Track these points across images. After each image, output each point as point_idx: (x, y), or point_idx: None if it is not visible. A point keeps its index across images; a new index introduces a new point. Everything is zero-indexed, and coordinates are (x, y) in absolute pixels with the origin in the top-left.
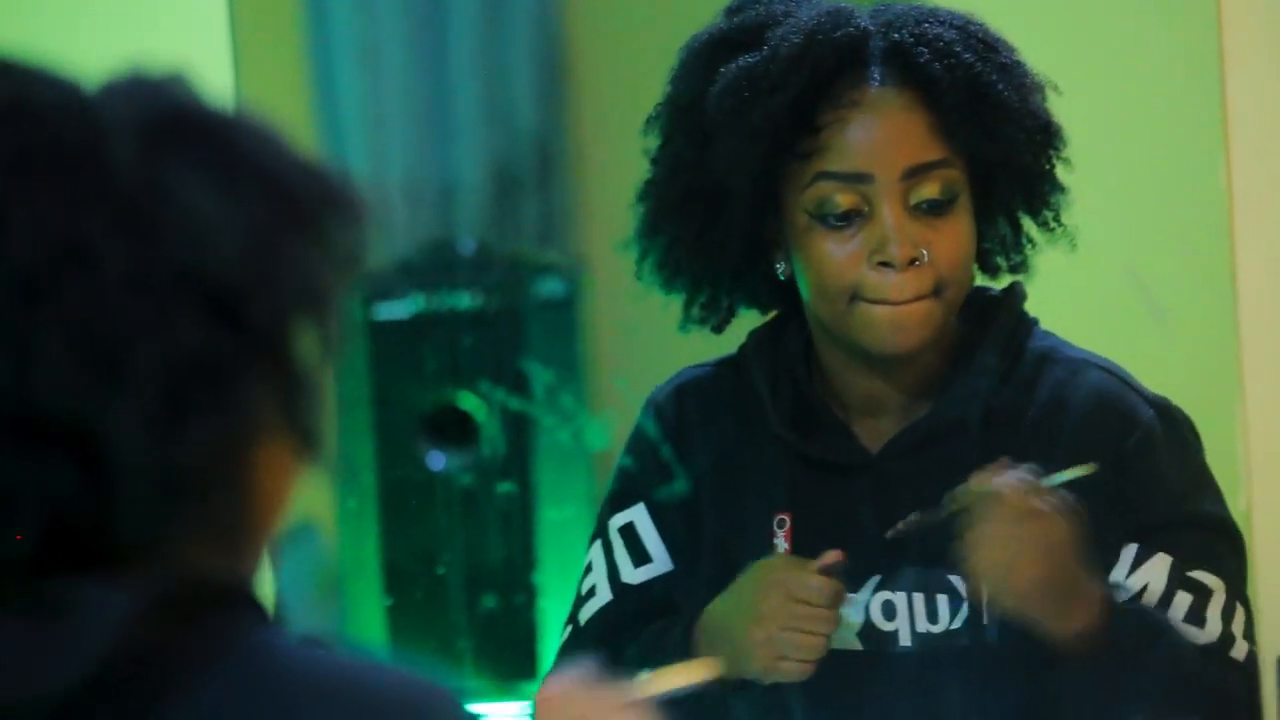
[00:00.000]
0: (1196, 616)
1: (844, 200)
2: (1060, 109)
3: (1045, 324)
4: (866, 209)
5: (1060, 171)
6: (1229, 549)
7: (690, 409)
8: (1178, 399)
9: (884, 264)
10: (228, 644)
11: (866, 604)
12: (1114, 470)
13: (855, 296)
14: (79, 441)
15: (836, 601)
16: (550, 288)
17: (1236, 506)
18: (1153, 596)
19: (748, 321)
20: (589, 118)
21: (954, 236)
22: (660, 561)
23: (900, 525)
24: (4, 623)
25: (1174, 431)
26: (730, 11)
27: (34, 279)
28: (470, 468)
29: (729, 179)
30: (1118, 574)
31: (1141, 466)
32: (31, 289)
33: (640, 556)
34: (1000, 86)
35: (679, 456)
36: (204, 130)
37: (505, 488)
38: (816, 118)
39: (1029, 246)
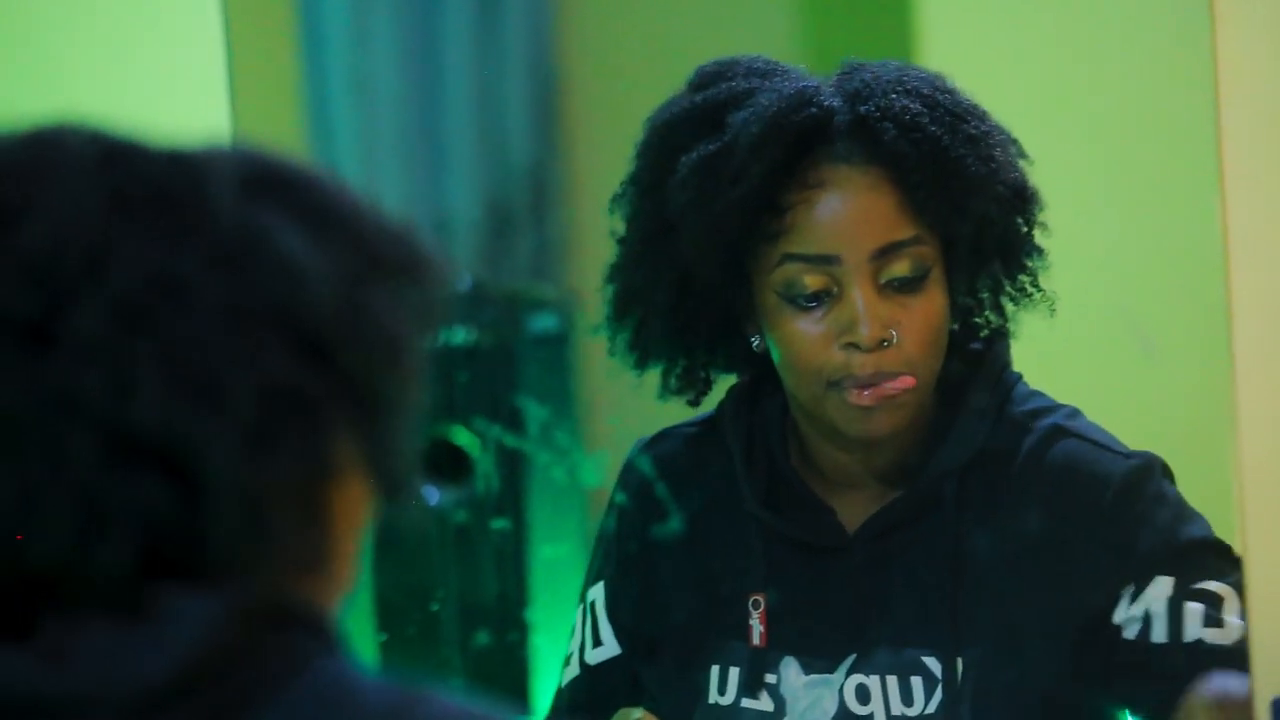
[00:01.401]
0: (1213, 620)
1: (812, 282)
2: (1053, 146)
3: (1037, 364)
4: (835, 289)
5: (1037, 236)
6: (1230, 565)
7: (667, 478)
8: (1171, 439)
9: (851, 345)
10: (301, 664)
11: (840, 686)
12: (1095, 528)
13: (830, 382)
14: (174, 463)
15: None
16: (544, 323)
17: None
18: (1161, 617)
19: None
20: (583, 153)
21: (925, 315)
22: (609, 645)
23: None
24: (98, 621)
25: (1152, 479)
26: (694, 86)
27: (135, 308)
28: (464, 504)
29: (694, 269)
30: (1119, 613)
31: (1123, 516)
32: (133, 318)
33: (595, 639)
34: (969, 160)
35: (658, 530)
36: (297, 184)
37: (499, 524)
38: (782, 198)
39: (1011, 310)
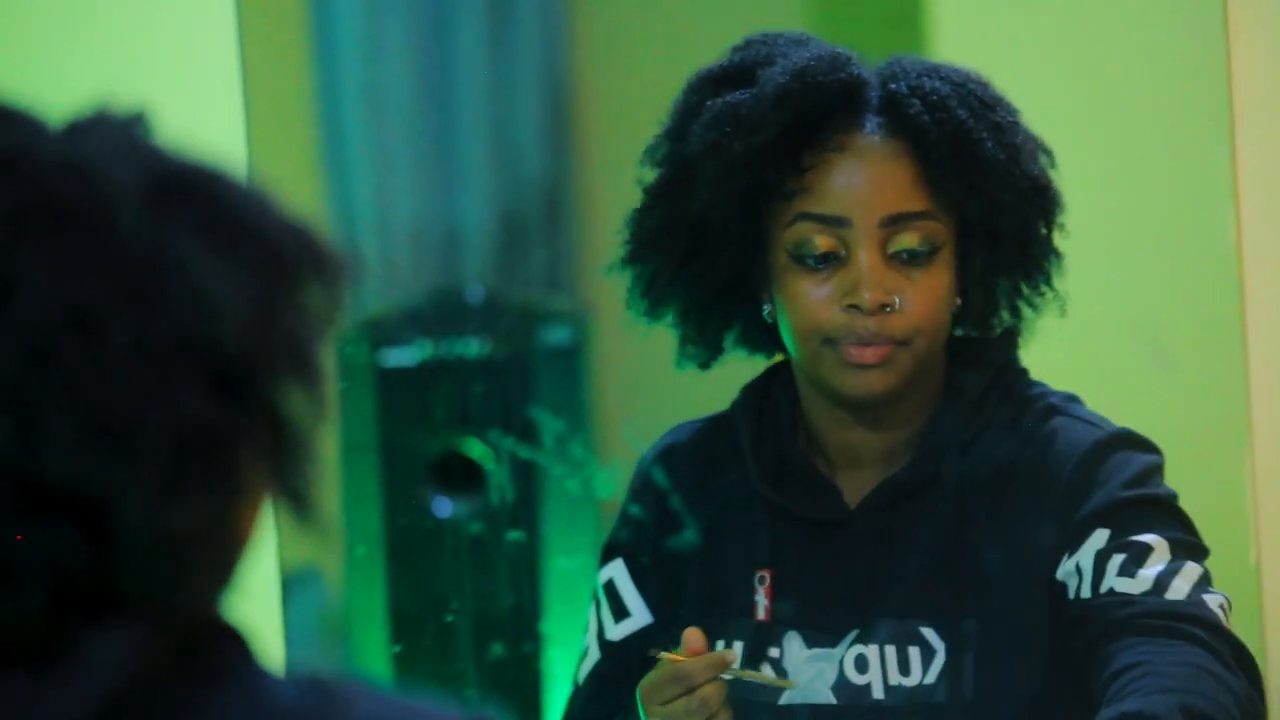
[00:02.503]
0: (1128, 571)
1: (822, 243)
2: (1065, 152)
3: (1052, 373)
4: (844, 252)
5: (1055, 236)
6: (1174, 521)
7: (679, 467)
8: (1186, 451)
9: (854, 306)
10: (222, 679)
11: (841, 659)
12: (1057, 493)
13: (826, 339)
14: (82, 508)
15: (700, 676)
16: (558, 335)
17: (1245, 561)
18: (1087, 570)
19: (746, 373)
20: (596, 164)
21: (929, 288)
22: (639, 615)
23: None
24: (10, 671)
25: (1119, 448)
26: (735, 48)
27: (41, 343)
28: (478, 516)
29: (708, 212)
30: (1061, 569)
31: (1082, 480)
32: (38, 353)
33: (620, 612)
34: (989, 144)
35: (669, 517)
36: (201, 193)
37: (514, 536)
38: (803, 158)
39: (1025, 308)
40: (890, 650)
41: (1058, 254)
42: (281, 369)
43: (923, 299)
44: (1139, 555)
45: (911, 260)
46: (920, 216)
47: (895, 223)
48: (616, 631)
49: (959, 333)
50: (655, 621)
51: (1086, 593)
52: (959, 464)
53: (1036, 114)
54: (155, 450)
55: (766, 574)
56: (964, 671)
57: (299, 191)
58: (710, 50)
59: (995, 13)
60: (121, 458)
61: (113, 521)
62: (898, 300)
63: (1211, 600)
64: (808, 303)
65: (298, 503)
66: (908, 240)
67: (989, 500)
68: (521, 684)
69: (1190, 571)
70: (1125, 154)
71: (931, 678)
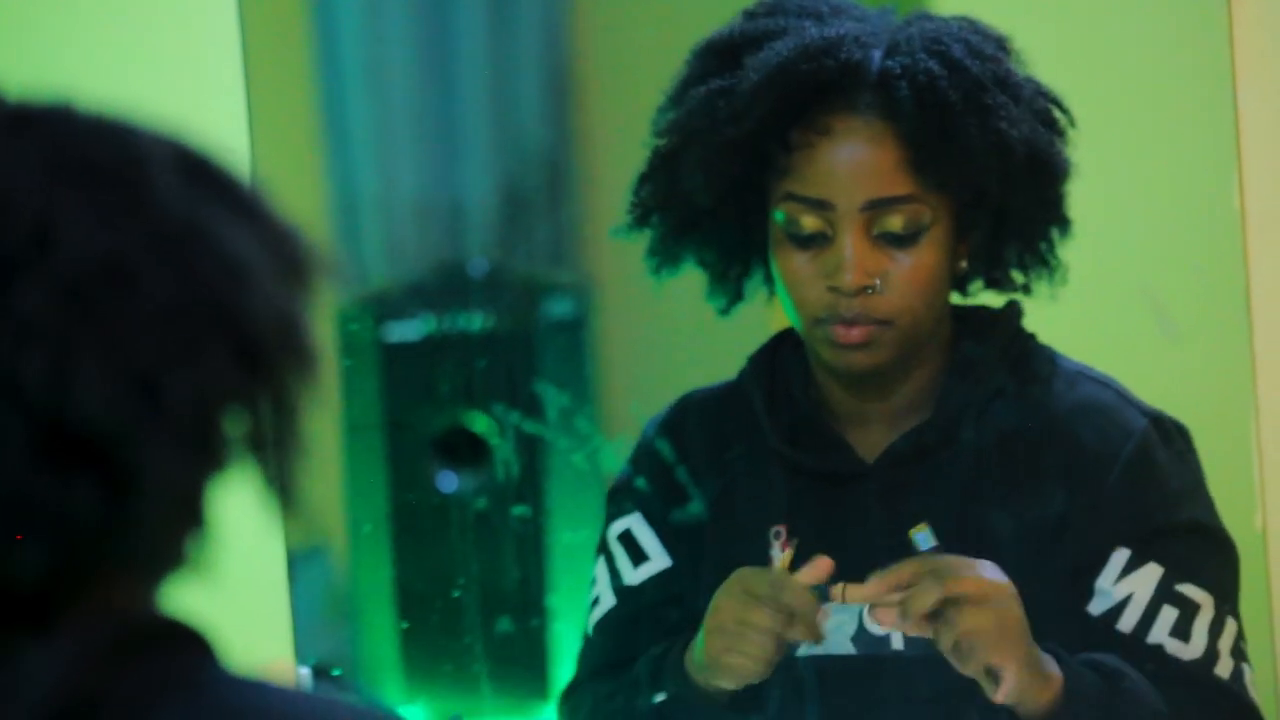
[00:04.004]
0: (1182, 632)
1: (809, 223)
2: (1072, 129)
3: (1058, 343)
4: (830, 232)
5: (1060, 207)
6: (1221, 561)
7: (691, 427)
8: (1191, 420)
9: (835, 288)
10: (175, 682)
11: (861, 610)
12: (1109, 478)
13: (815, 319)
14: (103, 456)
15: (794, 602)
16: (562, 308)
17: (1251, 527)
18: (1137, 608)
19: (753, 347)
20: (599, 137)
21: (914, 269)
22: (658, 559)
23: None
24: None
25: (1170, 441)
26: (750, 13)
27: (76, 286)
28: (483, 490)
29: (695, 197)
30: (1104, 580)
31: (1136, 473)
32: (73, 296)
33: (638, 557)
34: (972, 129)
35: (686, 474)
36: (223, 174)
37: (519, 511)
38: (792, 137)
39: (1036, 269)
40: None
41: (1063, 219)
42: (290, 352)
43: (907, 279)
44: (1189, 612)
45: (895, 242)
46: (904, 200)
47: (876, 207)
48: (635, 575)
49: (971, 296)
50: (674, 565)
51: (1129, 627)
52: (975, 425)
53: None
54: (181, 405)
55: (783, 528)
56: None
57: (301, 167)
58: (710, 23)
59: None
60: (148, 408)
61: (134, 474)
62: (878, 282)
63: (1247, 674)
64: (796, 280)
65: (284, 490)
66: (892, 223)
67: (1004, 461)
68: (529, 659)
69: (1230, 632)
70: (1128, 123)
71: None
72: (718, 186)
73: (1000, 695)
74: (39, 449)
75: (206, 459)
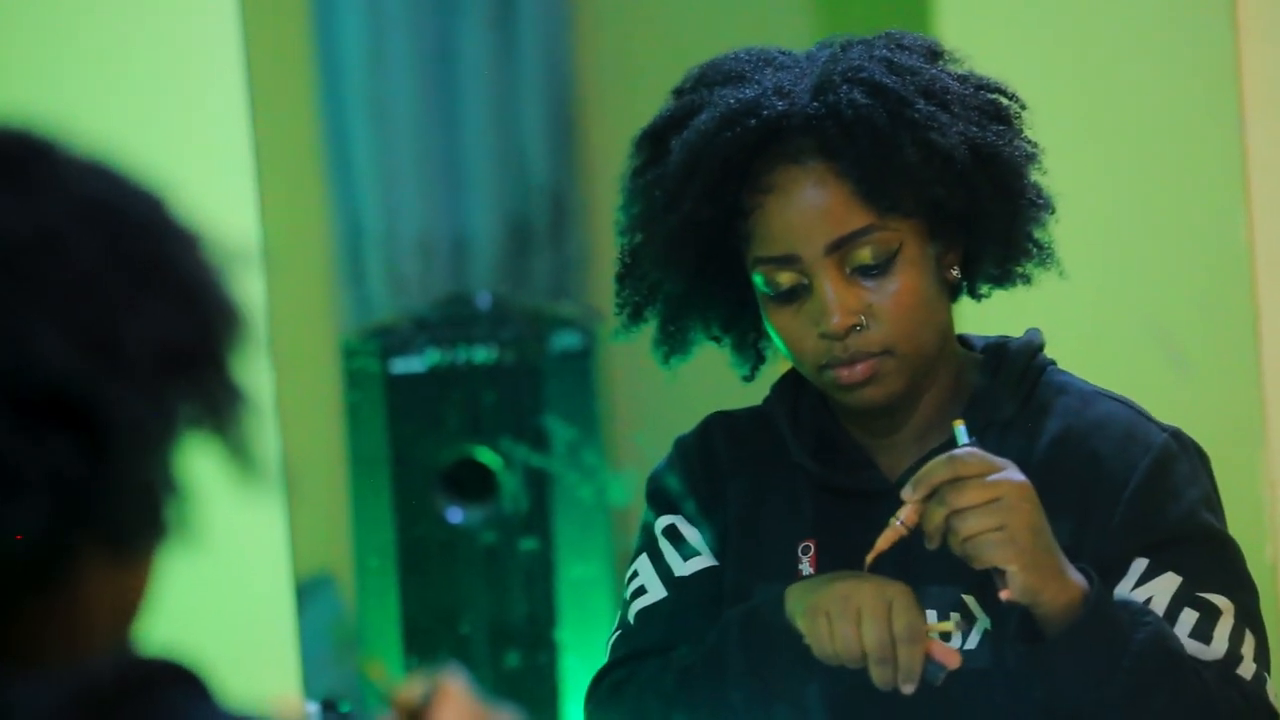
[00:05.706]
0: (1203, 634)
1: (784, 279)
2: (1081, 158)
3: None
4: (806, 281)
5: (1023, 191)
6: (1239, 573)
7: (718, 444)
8: None
9: (826, 334)
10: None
11: None
12: (1127, 489)
13: (819, 366)
14: (77, 417)
15: (904, 637)
16: (568, 341)
17: (1263, 559)
18: (1157, 611)
19: (761, 384)
20: (602, 169)
21: (897, 295)
22: (706, 555)
23: (871, 557)
24: None
25: (1187, 454)
26: (674, 92)
27: (12, 259)
28: (490, 523)
29: (668, 285)
30: (1123, 588)
31: (1155, 485)
32: (10, 269)
33: (688, 551)
34: (906, 149)
35: (711, 488)
36: (129, 171)
37: (527, 545)
38: (743, 201)
39: (1028, 265)
40: (932, 616)
41: (1037, 202)
42: (222, 308)
43: (892, 307)
44: (1211, 616)
45: (870, 273)
46: (865, 232)
47: (841, 245)
48: (686, 567)
49: (983, 299)
50: (718, 565)
51: None
52: (1000, 442)
53: (1044, 112)
54: (135, 351)
55: (811, 544)
56: (1004, 639)
57: (307, 203)
58: (714, 55)
59: (1001, 8)
60: (106, 357)
61: (104, 428)
62: (863, 318)
63: (1268, 682)
64: (789, 336)
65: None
66: (861, 257)
67: (1031, 474)
68: (537, 693)
69: (1250, 642)
70: (1136, 156)
71: (973, 644)
72: (685, 270)
73: (1007, 594)
74: (12, 412)
75: (170, 410)
